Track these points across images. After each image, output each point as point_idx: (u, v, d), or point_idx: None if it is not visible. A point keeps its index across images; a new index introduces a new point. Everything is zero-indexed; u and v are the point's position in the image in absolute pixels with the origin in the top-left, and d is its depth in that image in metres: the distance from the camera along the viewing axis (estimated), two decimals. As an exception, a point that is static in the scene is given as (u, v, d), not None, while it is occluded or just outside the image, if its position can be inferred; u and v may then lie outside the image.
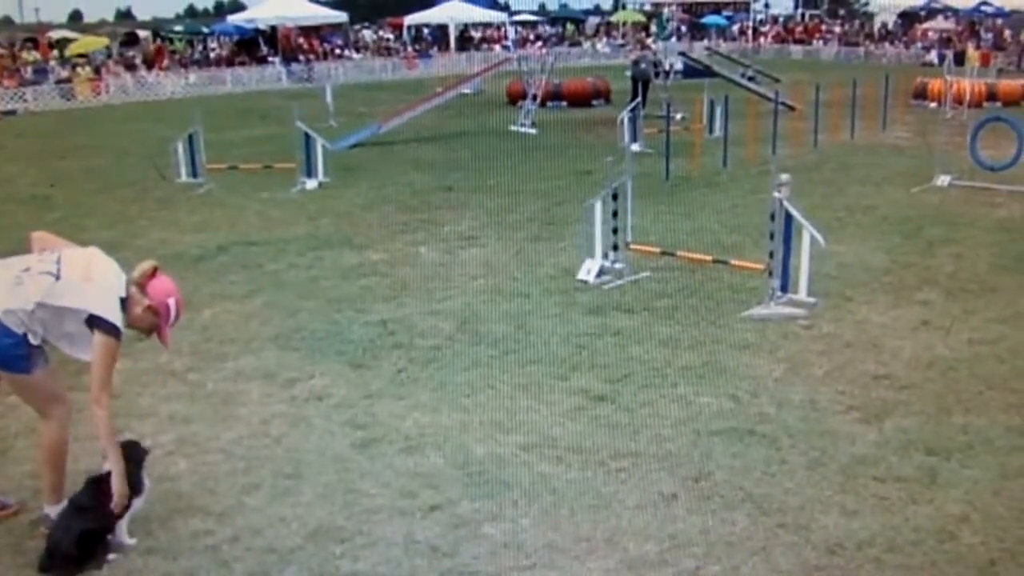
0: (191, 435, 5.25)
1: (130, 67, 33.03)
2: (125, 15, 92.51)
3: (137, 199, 12.55)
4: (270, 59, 36.32)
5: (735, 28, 52.49)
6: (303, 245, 9.74)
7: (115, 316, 4.01)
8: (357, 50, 41.13)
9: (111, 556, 3.99)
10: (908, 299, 7.56)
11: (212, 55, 36.96)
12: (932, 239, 9.43)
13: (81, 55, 32.99)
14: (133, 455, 4.14)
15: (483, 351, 6.55)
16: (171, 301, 4.23)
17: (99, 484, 4.01)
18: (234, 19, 40.84)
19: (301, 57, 36.90)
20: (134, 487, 4.06)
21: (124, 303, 4.08)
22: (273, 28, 37.87)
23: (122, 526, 4.06)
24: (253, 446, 5.10)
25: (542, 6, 61.45)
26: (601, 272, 8.12)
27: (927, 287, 7.85)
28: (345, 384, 5.98)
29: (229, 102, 26.78)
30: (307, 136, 13.25)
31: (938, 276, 8.16)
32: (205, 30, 42.80)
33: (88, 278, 4.04)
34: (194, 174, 13.43)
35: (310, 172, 13.18)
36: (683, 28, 50.69)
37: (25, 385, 4.11)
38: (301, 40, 38.64)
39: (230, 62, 35.54)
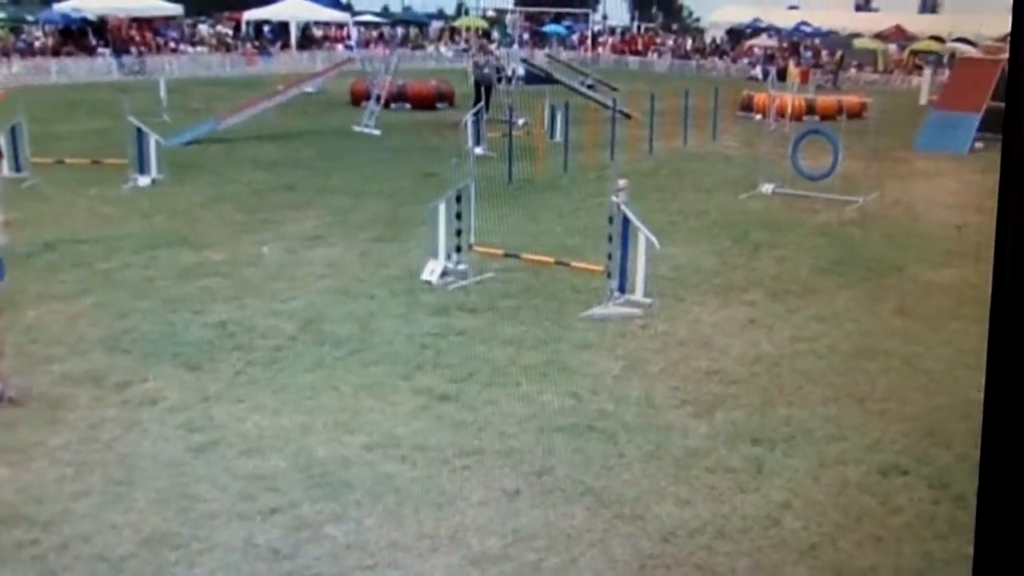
0: (15, 441, 4.94)
1: (-55, 55, 30.96)
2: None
3: (-47, 194, 11.74)
4: (99, 50, 34.66)
5: (575, 37, 53.46)
6: (136, 243, 9.30)
7: None
8: (193, 44, 39.74)
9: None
10: (736, 299, 7.86)
11: (37, 44, 34.99)
12: (758, 243, 9.84)
13: None
14: None
15: (326, 352, 6.43)
16: None
17: None
18: (61, 7, 38.66)
19: (133, 49, 35.35)
20: None
21: None
22: (103, 18, 36.13)
23: None
24: (82, 451, 4.85)
25: (385, 8, 60.95)
26: (445, 273, 8.09)
27: (753, 288, 8.18)
28: (180, 387, 5.76)
29: (55, 94, 25.34)
30: (139, 131, 12.60)
31: (763, 278, 8.52)
32: (30, 18, 40.46)
33: None
34: (17, 168, 12.61)
35: (143, 168, 12.54)
36: (525, 35, 51.26)
37: None
38: (133, 32, 37.03)
39: (56, 52, 33.72)
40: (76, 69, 31.88)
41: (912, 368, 6.35)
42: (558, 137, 15.81)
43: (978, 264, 9.19)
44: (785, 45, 45.28)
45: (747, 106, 22.91)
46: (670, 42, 51.41)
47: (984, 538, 2.08)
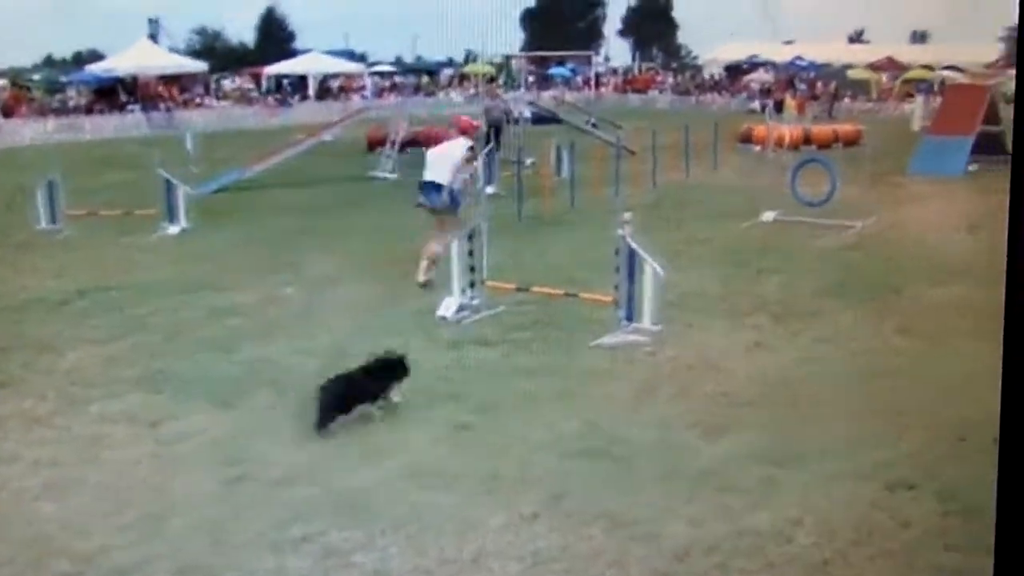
0: (58, 478, 4.99)
1: (-14, 115, 31.38)
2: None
3: (-5, 246, 11.89)
4: (130, 107, 35.18)
5: (579, 79, 53.82)
6: (166, 288, 9.39)
7: None
8: (218, 98, 40.27)
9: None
10: (742, 323, 7.85)
11: (71, 103, 35.52)
12: (761, 268, 9.83)
13: (-64, 103, 31.20)
14: None
15: None
16: None
17: None
18: (93, 68, 39.37)
19: (161, 105, 35.87)
20: None
21: None
22: (133, 77, 36.72)
23: None
24: (121, 488, 4.88)
25: (398, 58, 61.53)
26: (460, 308, 8.13)
27: (758, 312, 8.16)
28: (212, 423, 5.79)
29: (89, 149, 25.68)
30: (168, 182, 12.85)
31: (767, 302, 8.50)
32: (64, 79, 41.11)
33: None
34: (53, 220, 12.82)
35: (172, 217, 12.75)
36: (531, 79, 51.65)
37: None
38: (161, 89, 37.56)
39: (89, 110, 34.24)
40: (108, 125, 32.39)
41: (917, 385, 6.30)
42: (565, 174, 15.91)
43: (978, 282, 9.16)
44: (781, 78, 45.46)
45: (746, 138, 22.95)
46: (670, 80, 51.73)
47: (1004, 551, 2.08)
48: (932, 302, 8.53)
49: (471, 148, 9.34)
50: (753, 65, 49.27)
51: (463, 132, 10.00)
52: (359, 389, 5.71)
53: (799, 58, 45.35)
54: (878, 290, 8.93)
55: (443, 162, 9.02)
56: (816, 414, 5.81)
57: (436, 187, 8.98)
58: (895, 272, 9.64)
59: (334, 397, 5.58)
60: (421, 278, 9.03)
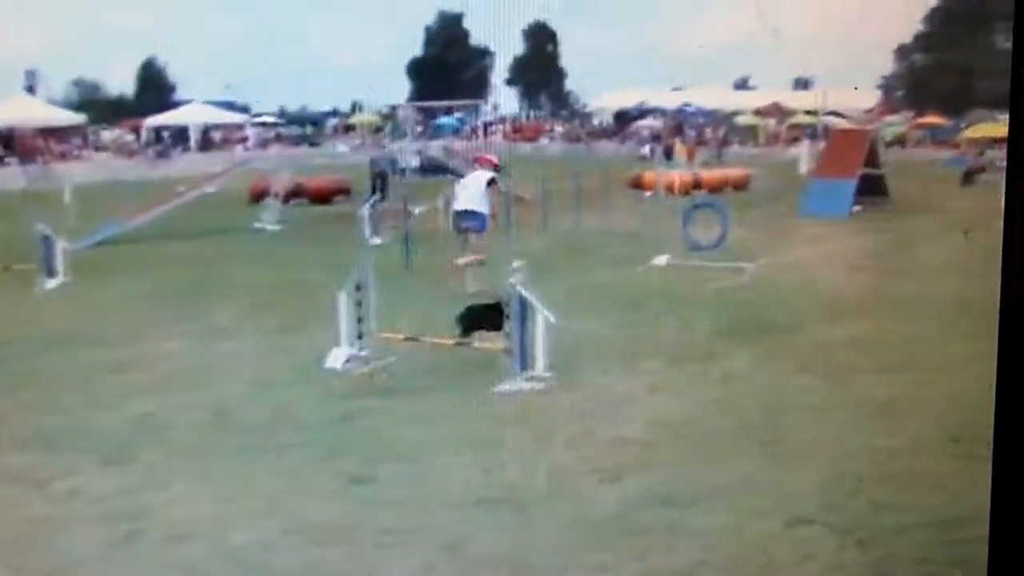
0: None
1: None
2: None
3: None
4: (6, 160, 34.34)
5: (467, 127, 54.33)
6: (51, 344, 9.13)
7: None
8: (97, 150, 39.49)
9: None
10: (638, 368, 7.98)
11: (-57, 158, 34.44)
12: (657, 312, 10.03)
13: None
14: None
15: (242, 440, 6.42)
16: None
17: None
18: (-36, 123, 38.16)
19: (39, 158, 35.08)
20: None
21: None
22: (10, 130, 35.89)
23: None
24: (12, 550, 4.77)
25: (282, 108, 61.19)
26: (349, 359, 8.13)
27: (655, 356, 8.30)
28: (103, 480, 5.70)
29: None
30: (45, 236, 12.63)
31: (664, 346, 8.67)
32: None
33: None
34: (-79, 277, 12.35)
35: (51, 271, 12.56)
36: (418, 128, 51.96)
37: None
38: (39, 141, 36.68)
39: (-37, 166, 33.28)
40: (-17, 180, 31.47)
41: (816, 421, 6.51)
42: (454, 224, 16.00)
43: (870, 318, 9.57)
44: (670, 125, 46.84)
45: (637, 183, 23.48)
46: (559, 127, 52.72)
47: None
48: (828, 339, 8.83)
49: (493, 180, 11.61)
50: (642, 112, 50.65)
51: (487, 166, 12.18)
52: (482, 317, 8.20)
53: (687, 104, 46.82)
54: (774, 330, 9.20)
55: (474, 192, 11.42)
56: (716, 455, 5.93)
57: (473, 214, 11.35)
58: (790, 311, 9.95)
59: (470, 320, 8.23)
60: (470, 289, 10.82)
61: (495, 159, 13.29)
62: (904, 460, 5.74)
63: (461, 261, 11.22)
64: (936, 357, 7.75)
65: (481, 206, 11.38)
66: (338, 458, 6.03)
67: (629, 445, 6.14)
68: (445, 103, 58.44)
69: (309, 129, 55.56)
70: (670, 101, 48.85)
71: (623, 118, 52.11)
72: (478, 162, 12.50)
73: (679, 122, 47.31)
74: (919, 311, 9.60)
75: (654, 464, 5.80)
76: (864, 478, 5.44)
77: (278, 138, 48.63)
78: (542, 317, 7.52)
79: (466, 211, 11.35)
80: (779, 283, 11.59)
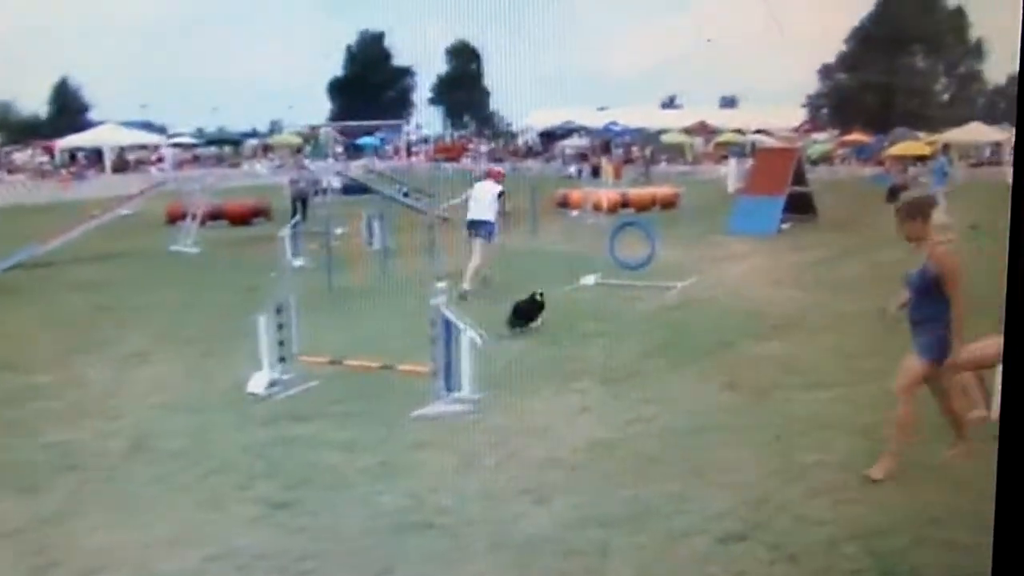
0: None
1: None
2: None
3: None
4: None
5: (389, 148, 54.35)
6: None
7: None
8: (9, 172, 38.65)
9: None
10: (568, 388, 8.06)
11: None
12: (585, 332, 10.15)
13: None
14: None
15: (161, 467, 6.35)
16: None
17: None
18: None
19: (-51, 181, 34.10)
20: None
21: None
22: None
23: None
24: None
25: (199, 129, 60.54)
26: (271, 384, 8.12)
27: (584, 376, 8.40)
28: (17, 511, 5.62)
29: None
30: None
31: (593, 366, 8.77)
32: None
33: None
34: None
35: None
36: (339, 149, 51.80)
37: None
38: (-51, 164, 35.70)
39: None
40: None
41: (745, 439, 6.64)
42: (377, 245, 16.05)
43: (799, 336, 9.80)
44: (597, 144, 47.42)
45: (564, 203, 23.74)
46: (484, 147, 53.01)
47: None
48: (756, 356, 9.03)
49: (502, 192, 13.09)
50: (568, 131, 51.22)
51: (495, 178, 13.42)
52: (529, 310, 10.30)
53: (614, 123, 47.47)
54: (702, 348, 9.38)
55: (484, 203, 12.96)
56: (649, 474, 6.02)
57: (484, 223, 12.86)
58: (719, 329, 10.15)
59: (520, 312, 10.26)
60: (466, 286, 12.28)
61: (502, 171, 14.84)
62: (831, 474, 5.89)
63: (471, 265, 12.74)
64: (861, 372, 7.97)
65: (490, 215, 12.95)
66: (260, 484, 6.01)
67: (559, 466, 6.21)
68: (367, 123, 58.52)
69: (227, 150, 55.11)
70: (596, 120, 49.54)
71: (549, 137, 52.68)
72: (489, 175, 13.72)
73: (606, 141, 47.93)
74: (846, 328, 9.87)
75: (585, 485, 5.86)
76: (793, 493, 5.59)
77: (195, 159, 48.19)
78: (468, 338, 7.57)
79: (478, 220, 12.91)
80: (708, 301, 11.82)
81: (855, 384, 7.73)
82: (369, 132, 57.77)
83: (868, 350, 8.74)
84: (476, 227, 12.94)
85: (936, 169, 20.18)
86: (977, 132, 45.51)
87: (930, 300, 5.78)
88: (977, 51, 74.75)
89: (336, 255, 13.93)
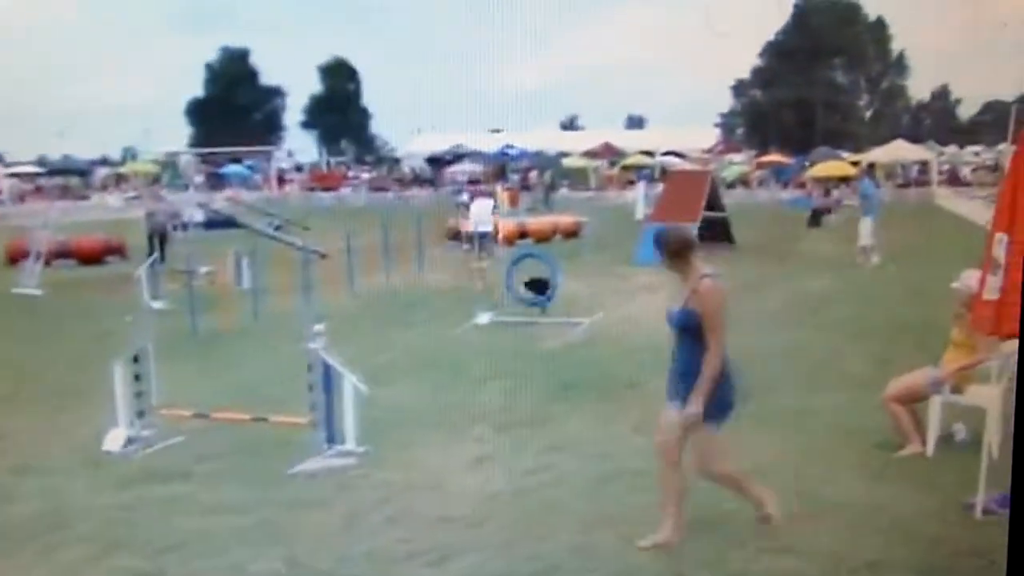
0: None
1: None
2: None
3: None
4: None
5: (258, 177, 54.00)
6: None
7: None
8: None
9: None
10: (462, 437, 8.15)
11: None
12: (480, 376, 10.25)
13: None
14: None
15: (10, 536, 6.26)
16: None
17: None
18: None
19: None
20: None
21: None
22: None
23: None
24: None
25: (42, 158, 59.26)
26: (129, 441, 8.05)
27: (480, 423, 8.50)
28: None
29: None
30: None
31: (489, 412, 8.87)
32: None
33: None
34: None
35: None
36: (201, 178, 51.23)
37: None
38: None
39: None
40: None
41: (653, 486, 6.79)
42: (246, 284, 15.97)
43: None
44: (490, 169, 47.87)
45: (455, 235, 23.88)
46: (365, 175, 53.04)
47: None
48: (663, 396, 9.22)
49: (495, 206, 19.38)
50: (458, 156, 51.62)
51: (486, 196, 19.47)
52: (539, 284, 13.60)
53: (509, 146, 48.02)
54: (611, 389, 9.58)
55: (483, 216, 19.00)
56: (555, 527, 6.13)
57: (484, 233, 18.61)
58: (629, 367, 10.32)
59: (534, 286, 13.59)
60: (479, 287, 16.29)
61: (489, 190, 18.30)
62: (747, 522, 6.07)
63: (475, 265, 17.17)
64: (775, 412, 8.24)
65: (488, 226, 18.60)
66: (117, 553, 5.93)
67: (454, 523, 6.27)
68: (232, 149, 57.98)
69: (75, 180, 54.08)
70: (489, 144, 50.05)
71: (437, 163, 53.01)
72: (480, 195, 19.45)
73: (501, 166, 48.44)
74: (765, 363, 10.20)
75: (484, 542, 5.94)
76: (705, 540, 5.77)
77: (38, 191, 47.15)
78: (351, 385, 7.60)
79: (480, 232, 18.50)
80: (617, 338, 12.04)
81: (767, 425, 7.94)
82: (235, 159, 57.30)
83: (783, 388, 9.06)
84: (479, 236, 18.43)
85: (862, 192, 20.90)
86: (902, 150, 47.16)
87: (692, 343, 5.71)
88: (899, 65, 77.87)
89: (201, 296, 13.84)
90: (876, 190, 22.45)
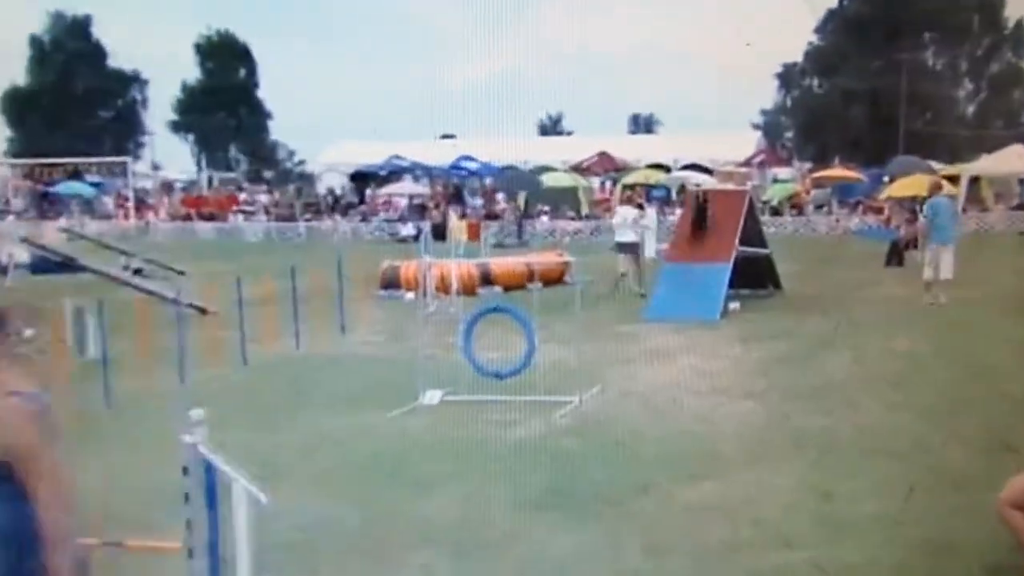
0: None
1: None
2: None
3: None
4: None
5: (107, 199, 53.70)
6: None
7: None
8: None
9: None
10: (403, 566, 8.10)
11: None
12: (425, 479, 10.20)
13: None
14: None
15: None
16: None
17: None
18: None
19: None
20: None
21: None
22: None
23: None
24: None
25: None
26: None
27: (426, 547, 8.45)
28: None
29: None
30: None
31: (440, 529, 8.83)
32: None
33: None
34: None
35: None
36: (22, 201, 51.03)
37: None
38: None
39: None
40: None
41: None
42: (92, 352, 15.80)
43: (755, 469, 10.05)
44: (441, 190, 47.81)
45: (391, 282, 23.90)
46: (263, 198, 52.83)
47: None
48: (689, 505, 9.23)
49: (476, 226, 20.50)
50: (394, 171, 51.51)
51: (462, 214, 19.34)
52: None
53: (466, 158, 47.87)
54: (611, 494, 9.54)
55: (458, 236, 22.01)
56: None
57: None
58: (635, 464, 10.34)
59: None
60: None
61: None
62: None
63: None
64: (845, 524, 8.24)
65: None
66: None
67: None
68: (68, 160, 57.59)
69: None
70: (439, 155, 49.57)
71: (365, 181, 52.69)
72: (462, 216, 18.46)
73: (455, 185, 48.45)
74: (823, 457, 10.21)
75: None
76: None
77: None
78: (244, 493, 7.53)
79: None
80: (617, 422, 12.04)
81: (836, 542, 7.94)
82: (74, 173, 56.74)
83: (856, 488, 9.07)
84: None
85: (932, 209, 20.78)
86: (1021, 159, 46.50)
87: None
88: (1016, 39, 77.30)
89: (26, 369, 13.69)
90: (949, 204, 22.42)
